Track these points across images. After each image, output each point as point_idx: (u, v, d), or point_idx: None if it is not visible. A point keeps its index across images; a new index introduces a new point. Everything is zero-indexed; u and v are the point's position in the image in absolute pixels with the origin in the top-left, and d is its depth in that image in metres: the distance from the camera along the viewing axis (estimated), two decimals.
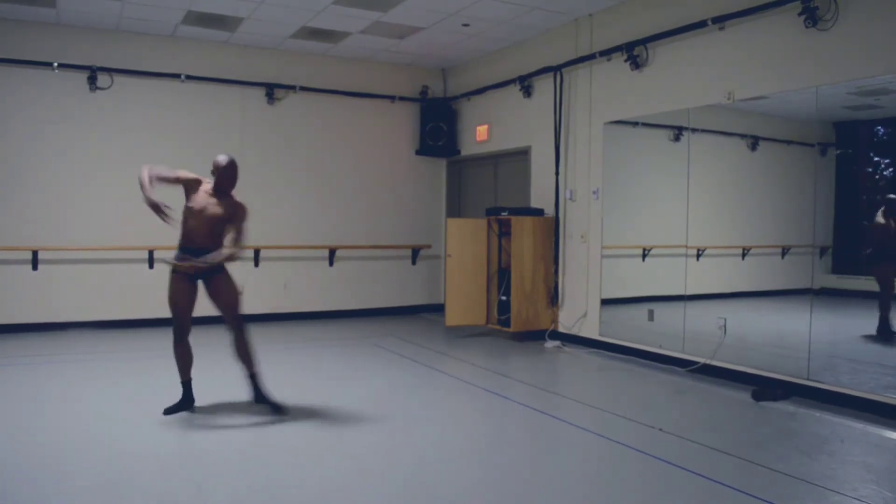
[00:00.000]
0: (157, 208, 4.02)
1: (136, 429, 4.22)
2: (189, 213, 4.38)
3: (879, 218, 5.15)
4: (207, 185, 4.46)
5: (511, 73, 8.05)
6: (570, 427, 4.38)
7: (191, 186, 4.42)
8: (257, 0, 6.70)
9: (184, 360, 4.55)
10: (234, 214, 4.42)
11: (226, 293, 4.48)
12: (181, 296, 4.41)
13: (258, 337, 7.40)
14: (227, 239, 4.43)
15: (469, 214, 9.10)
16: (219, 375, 5.80)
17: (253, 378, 4.59)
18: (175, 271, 4.41)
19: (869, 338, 5.07)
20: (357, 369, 5.85)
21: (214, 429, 4.27)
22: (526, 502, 3.23)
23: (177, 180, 4.38)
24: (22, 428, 4.22)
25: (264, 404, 4.58)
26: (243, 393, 5.00)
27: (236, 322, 4.50)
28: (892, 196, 5.15)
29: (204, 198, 4.40)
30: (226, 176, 4.42)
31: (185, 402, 4.57)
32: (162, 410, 4.48)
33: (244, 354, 4.54)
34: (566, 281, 7.37)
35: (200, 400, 4.75)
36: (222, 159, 4.43)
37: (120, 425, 4.29)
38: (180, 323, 4.45)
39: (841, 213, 5.24)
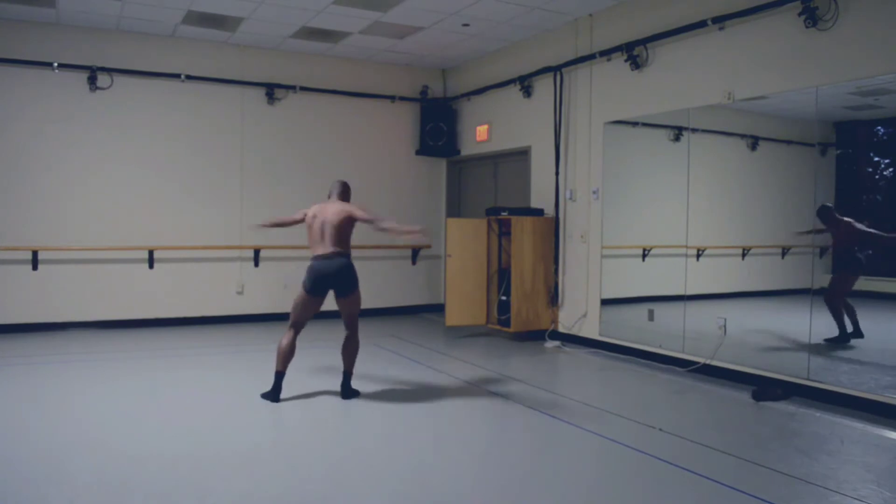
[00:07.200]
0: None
1: (136, 429, 4.22)
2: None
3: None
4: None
5: (511, 73, 8.06)
6: (570, 427, 4.38)
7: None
8: (257, 0, 6.71)
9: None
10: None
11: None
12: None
13: (259, 336, 7.44)
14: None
15: (469, 214, 9.11)
16: (222, 376, 5.81)
17: (347, 375, 5.07)
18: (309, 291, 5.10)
19: (830, 342, 5.08)
20: (356, 369, 5.84)
21: (213, 429, 4.27)
22: (526, 502, 3.23)
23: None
24: (22, 428, 4.22)
25: (349, 398, 4.98)
26: (245, 394, 5.00)
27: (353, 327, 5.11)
28: (826, 205, 5.11)
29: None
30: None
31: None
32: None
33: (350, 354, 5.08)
34: (566, 281, 7.37)
35: (206, 400, 4.75)
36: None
37: (120, 425, 4.29)
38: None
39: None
